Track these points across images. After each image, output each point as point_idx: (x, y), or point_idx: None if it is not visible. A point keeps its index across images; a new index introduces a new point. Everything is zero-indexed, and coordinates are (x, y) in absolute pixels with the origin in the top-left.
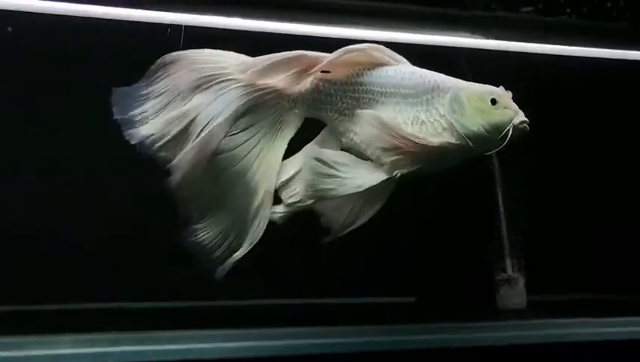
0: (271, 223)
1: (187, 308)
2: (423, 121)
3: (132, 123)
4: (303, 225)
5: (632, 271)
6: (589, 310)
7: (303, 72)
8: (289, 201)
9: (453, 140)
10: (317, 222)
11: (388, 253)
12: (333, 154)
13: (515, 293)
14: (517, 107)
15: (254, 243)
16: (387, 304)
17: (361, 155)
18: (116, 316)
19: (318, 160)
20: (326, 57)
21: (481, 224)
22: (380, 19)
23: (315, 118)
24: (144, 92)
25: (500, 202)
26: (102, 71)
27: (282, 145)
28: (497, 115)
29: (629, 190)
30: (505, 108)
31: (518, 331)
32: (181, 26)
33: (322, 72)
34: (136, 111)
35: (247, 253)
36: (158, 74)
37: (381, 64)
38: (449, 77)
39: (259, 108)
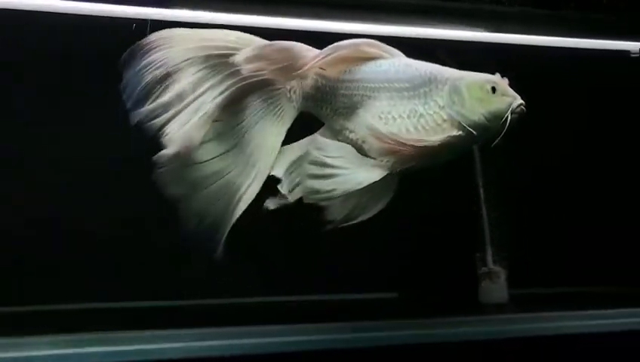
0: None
1: (160, 307)
2: (421, 114)
3: (135, 103)
4: (285, 222)
5: (614, 263)
6: (570, 303)
7: (292, 69)
8: (289, 198)
9: (454, 132)
10: (298, 219)
11: (370, 249)
12: (332, 149)
13: (496, 287)
14: (514, 93)
15: (234, 220)
16: (370, 300)
17: (359, 151)
18: (83, 316)
19: (316, 162)
20: (317, 53)
21: (462, 217)
22: (369, 12)
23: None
24: (141, 68)
25: (482, 195)
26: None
27: (281, 133)
28: (497, 103)
29: (610, 183)
30: (503, 95)
31: (494, 326)
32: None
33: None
34: (138, 90)
35: (227, 250)
36: (155, 46)
37: (374, 59)
38: (445, 67)
39: (257, 93)
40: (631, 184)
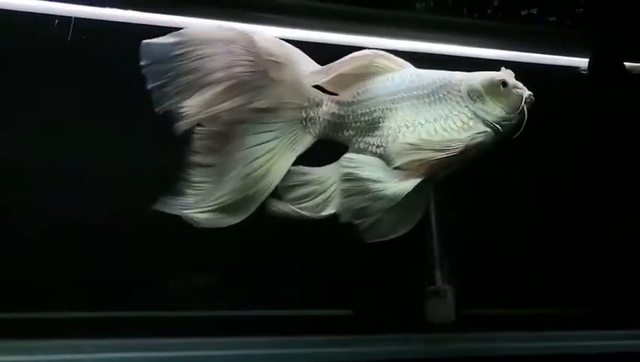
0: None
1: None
2: (447, 116)
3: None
4: (245, 239)
5: (562, 284)
6: (517, 324)
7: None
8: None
9: (480, 129)
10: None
11: (327, 265)
12: (362, 162)
13: (443, 306)
14: (521, 84)
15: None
16: (324, 316)
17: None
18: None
19: (349, 175)
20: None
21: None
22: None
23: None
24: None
25: (432, 213)
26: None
27: (290, 159)
28: (513, 96)
29: (558, 204)
30: (514, 87)
31: (431, 345)
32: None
33: (330, 93)
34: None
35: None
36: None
37: (385, 72)
38: (449, 72)
39: (277, 114)
40: (579, 205)
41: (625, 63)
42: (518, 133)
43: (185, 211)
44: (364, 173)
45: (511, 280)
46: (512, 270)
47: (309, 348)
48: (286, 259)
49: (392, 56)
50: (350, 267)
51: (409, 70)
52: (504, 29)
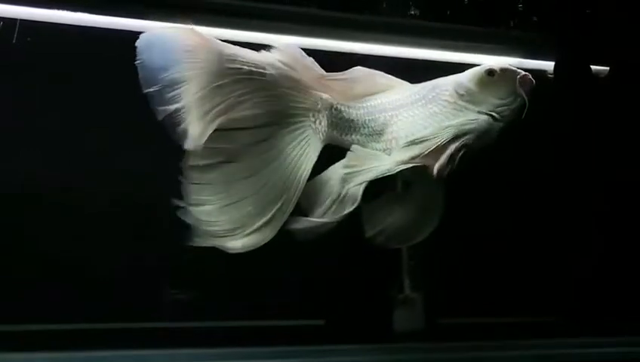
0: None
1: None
2: (439, 112)
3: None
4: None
5: (533, 292)
6: (488, 333)
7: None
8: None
9: (472, 116)
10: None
11: (298, 275)
12: (360, 152)
13: (411, 314)
14: (513, 67)
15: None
16: (296, 327)
17: None
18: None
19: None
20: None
21: None
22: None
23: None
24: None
25: None
26: None
27: (309, 166)
28: (503, 82)
29: (533, 213)
30: (504, 72)
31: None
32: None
33: None
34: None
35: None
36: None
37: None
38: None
39: (282, 121)
40: (551, 213)
41: (590, 66)
42: (524, 114)
43: (217, 241)
44: (362, 159)
45: (481, 287)
46: (482, 277)
47: (281, 358)
48: (258, 269)
49: (390, 76)
50: (322, 277)
51: (406, 85)
52: (469, 33)
